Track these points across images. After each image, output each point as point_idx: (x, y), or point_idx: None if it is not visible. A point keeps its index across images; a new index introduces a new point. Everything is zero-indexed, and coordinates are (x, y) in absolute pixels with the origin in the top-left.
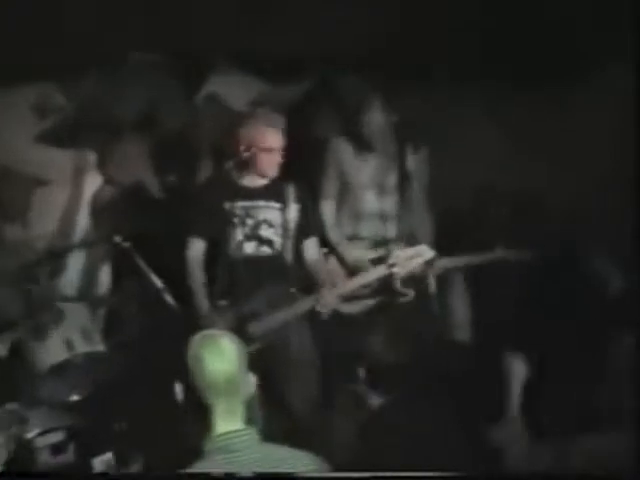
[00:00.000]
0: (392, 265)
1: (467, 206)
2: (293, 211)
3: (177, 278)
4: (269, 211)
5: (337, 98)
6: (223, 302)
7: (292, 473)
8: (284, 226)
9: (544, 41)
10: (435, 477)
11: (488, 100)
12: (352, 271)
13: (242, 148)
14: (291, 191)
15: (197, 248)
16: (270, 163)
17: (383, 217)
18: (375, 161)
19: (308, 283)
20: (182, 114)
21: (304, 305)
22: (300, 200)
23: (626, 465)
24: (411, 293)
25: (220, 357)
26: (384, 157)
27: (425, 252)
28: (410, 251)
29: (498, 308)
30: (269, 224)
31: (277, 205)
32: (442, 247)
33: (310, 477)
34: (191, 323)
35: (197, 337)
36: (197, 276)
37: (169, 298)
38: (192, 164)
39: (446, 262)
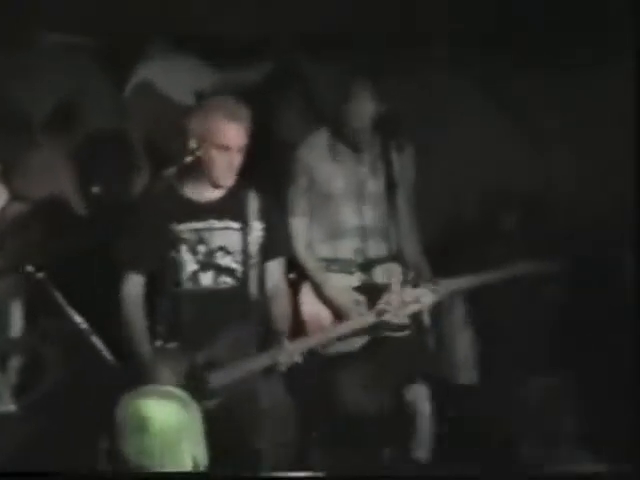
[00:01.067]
0: (382, 312)
1: (471, 214)
2: (256, 231)
3: (108, 316)
4: (226, 234)
5: (306, 86)
6: (171, 346)
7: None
8: (245, 251)
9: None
10: None
11: (490, 84)
12: (332, 307)
13: (190, 148)
14: (252, 205)
15: (134, 284)
16: (226, 167)
17: (366, 233)
18: (355, 164)
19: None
20: (109, 108)
21: (263, 360)
22: (264, 216)
23: None
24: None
25: (147, 429)
26: (367, 158)
27: (425, 296)
28: (406, 295)
29: (514, 340)
30: (226, 250)
31: (236, 225)
32: (440, 266)
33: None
34: (128, 374)
35: (129, 397)
36: (135, 316)
37: (98, 342)
38: (124, 172)
39: (446, 285)
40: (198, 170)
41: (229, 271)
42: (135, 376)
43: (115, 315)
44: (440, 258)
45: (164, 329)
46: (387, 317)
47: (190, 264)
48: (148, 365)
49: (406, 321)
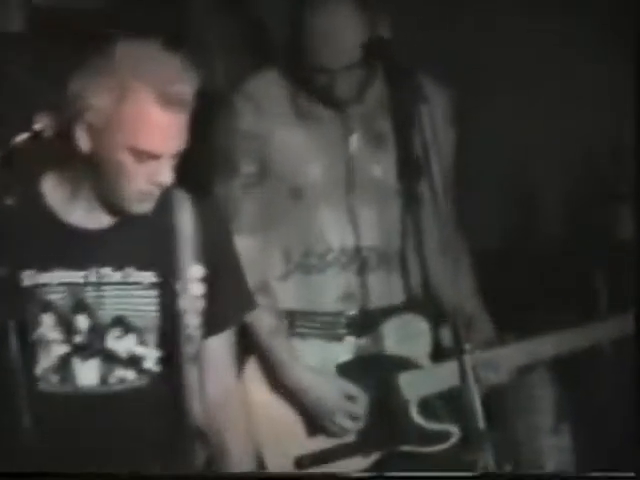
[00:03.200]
0: None
1: (556, 219)
2: (194, 284)
3: None
4: (126, 294)
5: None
6: None
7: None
8: (166, 324)
9: None
10: None
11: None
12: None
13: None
14: (185, 229)
15: None
16: (144, 182)
17: (363, 259)
18: (338, 129)
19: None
20: None
21: None
22: (208, 250)
23: None
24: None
25: None
26: (358, 119)
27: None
28: None
29: None
30: (125, 327)
31: (147, 278)
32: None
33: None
34: None
35: None
36: None
37: None
38: None
39: (516, 352)
40: (84, 175)
41: (133, 362)
42: None
43: None
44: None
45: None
46: None
47: (56, 347)
48: None
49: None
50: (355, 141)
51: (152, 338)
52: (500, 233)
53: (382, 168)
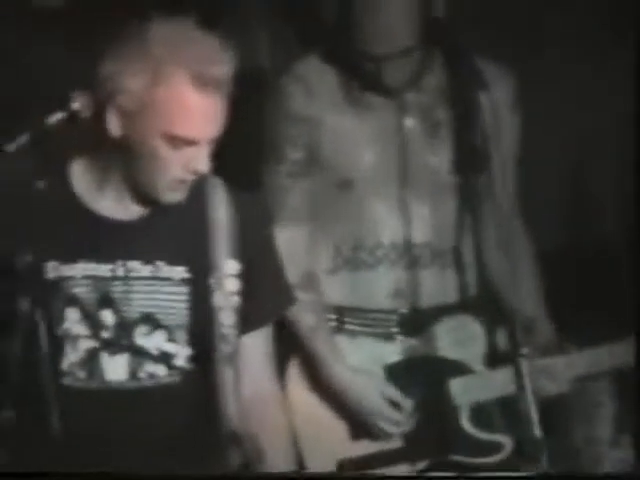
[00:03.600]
0: None
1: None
2: (228, 281)
3: None
4: (156, 290)
5: None
6: None
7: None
8: (198, 322)
9: None
10: None
11: None
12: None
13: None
14: (221, 222)
15: None
16: (180, 170)
17: (416, 256)
18: (393, 116)
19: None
20: None
21: None
22: (245, 248)
23: None
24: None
25: None
26: (414, 107)
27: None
28: None
29: None
30: (153, 324)
31: (178, 273)
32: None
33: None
34: None
35: None
36: None
37: None
38: None
39: (576, 361)
40: (116, 163)
41: (163, 358)
42: None
43: None
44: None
45: None
46: None
47: (83, 342)
48: None
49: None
50: (410, 130)
51: (182, 336)
52: (564, 231)
53: (438, 159)
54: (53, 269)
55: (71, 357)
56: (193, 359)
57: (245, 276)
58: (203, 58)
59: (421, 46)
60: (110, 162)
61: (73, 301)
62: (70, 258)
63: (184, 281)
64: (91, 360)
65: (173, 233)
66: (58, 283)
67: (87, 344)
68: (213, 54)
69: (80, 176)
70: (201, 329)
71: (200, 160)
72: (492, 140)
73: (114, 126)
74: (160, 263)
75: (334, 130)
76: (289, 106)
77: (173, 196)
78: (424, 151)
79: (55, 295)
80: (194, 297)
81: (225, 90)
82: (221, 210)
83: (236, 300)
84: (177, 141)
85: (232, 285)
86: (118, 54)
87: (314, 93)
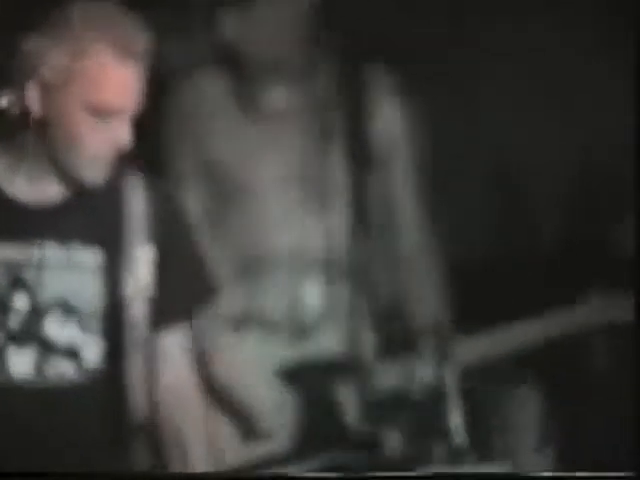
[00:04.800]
0: None
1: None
2: (142, 267)
3: None
4: (69, 273)
5: None
6: None
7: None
8: (112, 309)
9: None
10: None
11: None
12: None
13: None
14: (136, 208)
15: None
16: (101, 147)
17: (313, 267)
18: (281, 121)
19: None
20: None
21: None
22: (164, 232)
23: None
24: None
25: None
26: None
27: None
28: None
29: None
30: (66, 308)
31: (91, 256)
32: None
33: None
34: None
35: None
36: None
37: None
38: None
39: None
40: (34, 142)
41: (68, 351)
42: None
43: None
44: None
45: None
46: None
47: None
48: None
49: None
50: (303, 137)
51: (95, 325)
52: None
53: (332, 166)
54: None
55: None
56: (105, 353)
57: (161, 266)
58: (124, 34)
59: (308, 55)
60: (27, 143)
61: None
62: None
63: (98, 267)
64: None
65: (89, 217)
66: None
67: None
68: (133, 31)
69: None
70: (114, 319)
71: (121, 135)
72: (388, 147)
73: (34, 102)
74: (75, 247)
75: (228, 138)
76: (182, 110)
77: (94, 175)
78: (317, 158)
79: None
80: (107, 284)
81: (144, 64)
82: (138, 196)
83: (150, 290)
84: (99, 111)
85: (146, 274)
86: (41, 33)
87: (207, 99)
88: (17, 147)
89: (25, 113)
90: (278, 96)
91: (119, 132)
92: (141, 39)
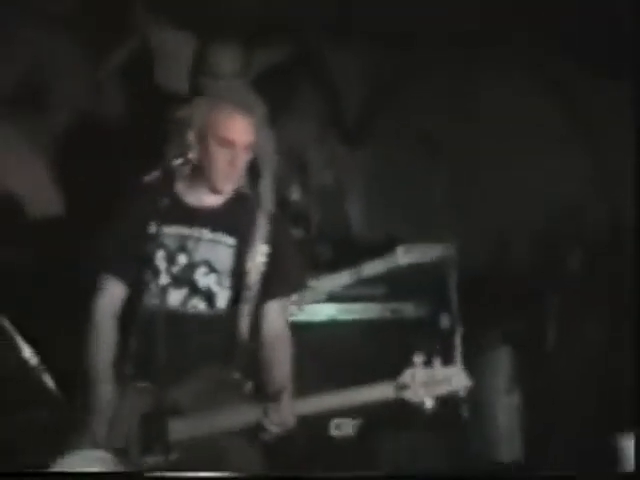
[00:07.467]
0: (403, 387)
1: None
2: (259, 255)
3: (64, 346)
4: (214, 247)
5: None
6: (142, 384)
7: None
8: (238, 276)
9: None
10: None
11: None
12: None
13: (186, 143)
14: (260, 220)
15: (113, 295)
16: (227, 168)
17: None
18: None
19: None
20: (81, 89)
21: (247, 416)
22: (274, 238)
23: None
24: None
25: None
26: None
27: (457, 377)
28: (435, 373)
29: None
30: (210, 267)
31: (229, 241)
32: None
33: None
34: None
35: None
36: (105, 339)
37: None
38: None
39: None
40: (197, 169)
41: (206, 294)
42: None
43: (74, 347)
44: None
45: (132, 362)
46: (408, 395)
47: (163, 276)
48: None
49: (429, 403)
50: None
51: (226, 282)
52: None
53: None
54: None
55: (151, 288)
56: (229, 301)
57: (271, 257)
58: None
59: None
60: (193, 174)
61: (161, 246)
62: (171, 224)
63: (233, 246)
64: (163, 290)
65: (230, 216)
66: (156, 236)
67: (164, 280)
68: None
69: (182, 185)
70: (238, 280)
71: (241, 160)
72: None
73: (192, 145)
74: (220, 232)
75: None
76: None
77: (226, 185)
78: None
79: (153, 242)
80: (237, 258)
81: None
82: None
83: (262, 270)
84: (222, 141)
85: (261, 257)
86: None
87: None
88: (187, 174)
89: (186, 152)
90: None
91: (239, 158)
92: (253, 100)
